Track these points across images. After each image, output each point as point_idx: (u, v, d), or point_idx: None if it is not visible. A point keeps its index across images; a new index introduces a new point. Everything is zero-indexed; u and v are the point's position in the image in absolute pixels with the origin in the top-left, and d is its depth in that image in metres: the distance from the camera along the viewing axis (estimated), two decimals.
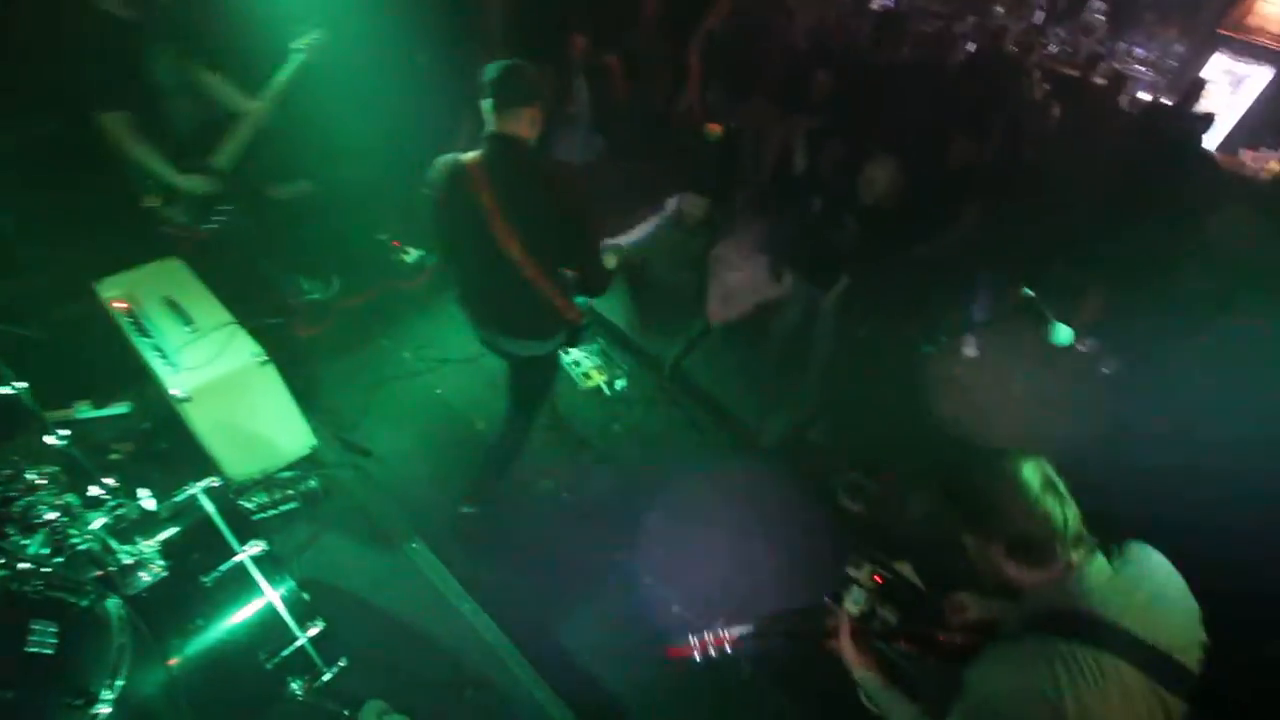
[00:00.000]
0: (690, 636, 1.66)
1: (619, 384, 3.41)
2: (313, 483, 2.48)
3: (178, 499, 1.78)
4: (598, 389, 3.38)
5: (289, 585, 1.77)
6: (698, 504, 3.00)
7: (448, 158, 1.91)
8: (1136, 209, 3.75)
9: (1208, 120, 3.99)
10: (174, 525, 1.76)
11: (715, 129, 4.10)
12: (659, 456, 3.19)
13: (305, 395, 2.77)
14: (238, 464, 2.31)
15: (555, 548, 2.73)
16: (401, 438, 3.00)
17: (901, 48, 4.26)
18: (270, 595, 1.72)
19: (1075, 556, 1.19)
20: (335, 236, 3.58)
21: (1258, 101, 5.47)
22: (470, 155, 1.88)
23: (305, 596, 1.80)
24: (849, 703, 1.55)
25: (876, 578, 3.08)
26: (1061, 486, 1.21)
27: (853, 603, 2.97)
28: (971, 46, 5.33)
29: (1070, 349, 2.16)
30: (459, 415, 3.15)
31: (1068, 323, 2.21)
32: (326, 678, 1.86)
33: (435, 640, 2.21)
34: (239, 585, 1.71)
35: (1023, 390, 3.01)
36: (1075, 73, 5.19)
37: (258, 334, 2.41)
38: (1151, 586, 1.19)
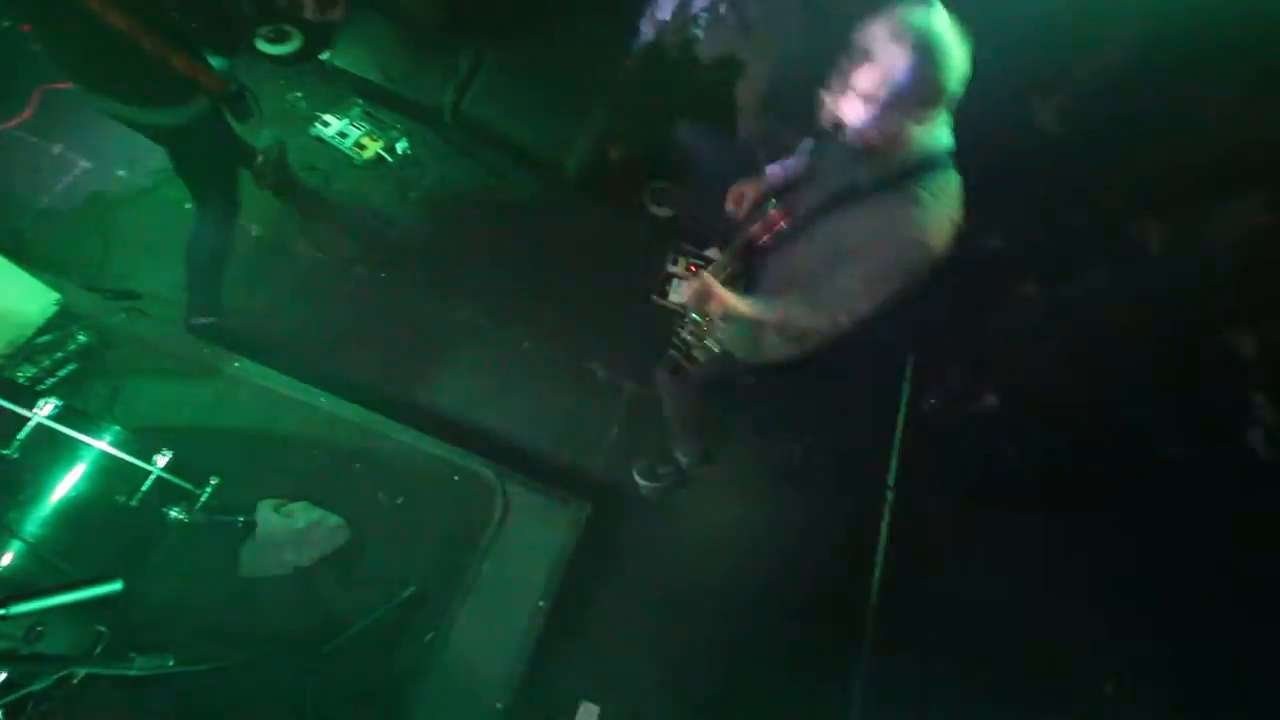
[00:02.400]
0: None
1: (400, 146, 3.15)
2: (82, 338, 2.20)
3: None
4: (378, 158, 3.11)
5: (113, 430, 1.70)
6: (517, 243, 3.11)
7: None
8: None
9: None
10: None
11: None
12: (466, 210, 3.15)
13: (15, 251, 2.30)
14: None
15: (391, 323, 2.78)
16: (167, 267, 2.64)
17: None
18: (95, 444, 1.65)
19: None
20: None
21: None
22: None
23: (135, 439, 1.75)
24: None
25: (691, 267, 3.51)
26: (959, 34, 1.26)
27: (675, 293, 3.39)
28: None
29: None
30: None
31: None
32: (204, 498, 1.92)
33: (303, 438, 2.29)
34: (52, 446, 1.62)
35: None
36: None
37: None
38: None
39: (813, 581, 2.65)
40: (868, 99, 1.28)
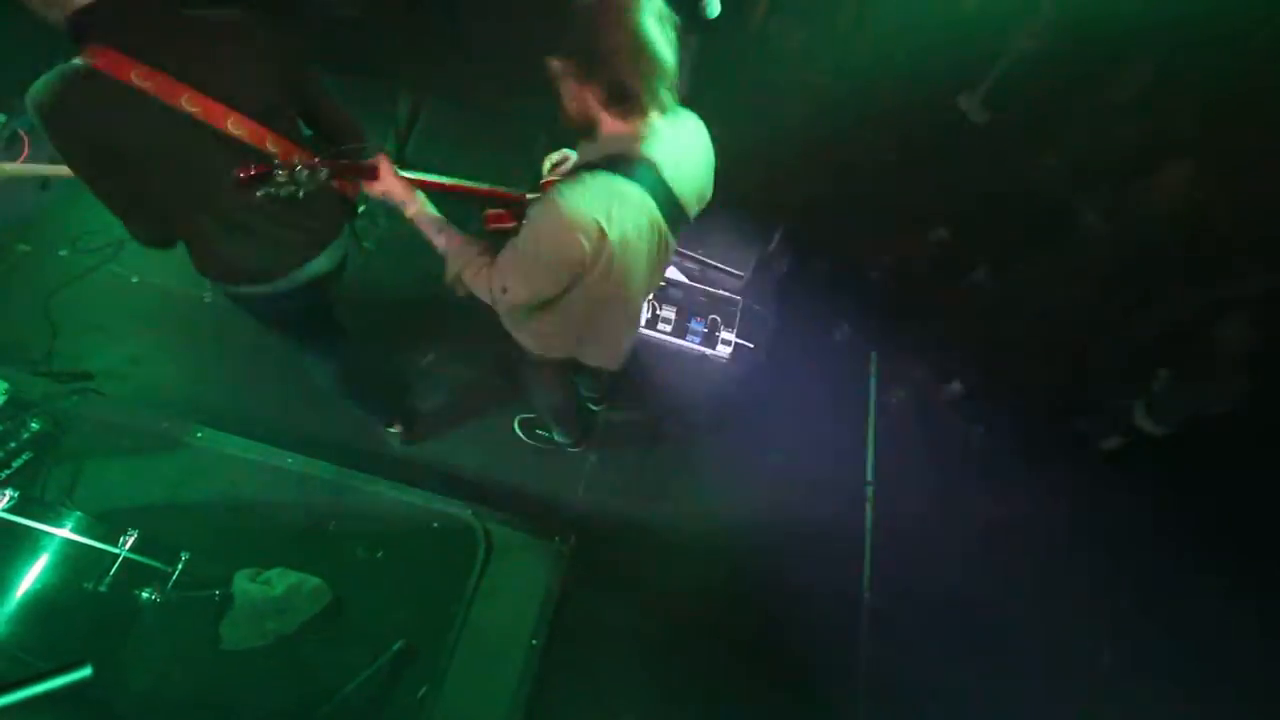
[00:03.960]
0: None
1: None
2: (35, 425, 2.17)
3: None
4: None
5: (74, 516, 1.68)
6: None
7: (53, 81, 1.26)
8: None
9: None
10: None
11: None
12: (422, 257, 3.16)
13: None
14: None
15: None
16: (121, 343, 2.65)
17: None
18: (55, 531, 1.64)
19: (656, 112, 1.32)
20: None
21: None
22: (87, 59, 1.26)
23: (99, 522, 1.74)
24: None
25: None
26: (672, 34, 1.24)
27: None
28: None
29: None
30: (175, 295, 2.80)
31: None
32: (175, 576, 1.90)
33: (273, 502, 2.28)
34: (11, 539, 1.60)
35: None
36: None
37: None
38: (688, 144, 1.46)
39: (805, 587, 2.68)
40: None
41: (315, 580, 2.09)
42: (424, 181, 1.59)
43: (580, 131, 1.39)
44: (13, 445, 2.14)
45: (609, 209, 1.32)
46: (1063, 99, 3.59)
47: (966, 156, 3.87)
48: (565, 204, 1.29)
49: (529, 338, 1.83)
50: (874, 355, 3.39)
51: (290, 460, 2.34)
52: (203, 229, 1.57)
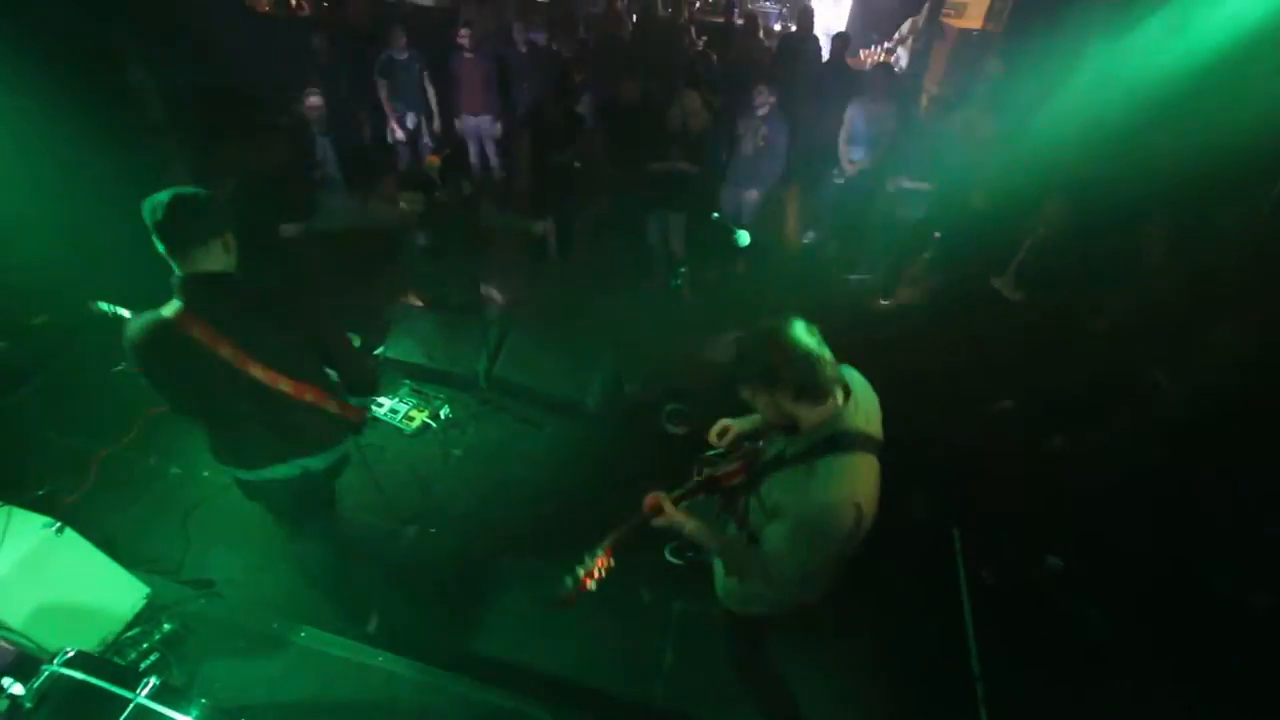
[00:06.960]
0: (565, 581, 1.86)
1: (444, 413, 3.70)
2: (166, 626, 2.47)
3: (37, 684, 1.79)
4: (424, 426, 3.63)
5: (199, 703, 1.88)
6: (553, 480, 3.45)
7: (142, 323, 1.85)
8: (802, 118, 4.89)
9: (841, 37, 5.34)
10: (46, 708, 1.77)
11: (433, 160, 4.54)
12: (504, 461, 3.57)
13: (112, 553, 2.69)
14: (71, 640, 2.24)
15: (442, 576, 3.01)
16: (241, 554, 3.02)
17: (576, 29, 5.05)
18: (182, 719, 1.83)
19: (839, 392, 1.62)
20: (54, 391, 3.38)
21: (853, 12, 7.30)
22: (171, 310, 1.85)
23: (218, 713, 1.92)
24: None
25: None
26: (817, 331, 1.59)
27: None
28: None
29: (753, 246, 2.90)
30: None
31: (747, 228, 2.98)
32: None
33: (362, 700, 2.41)
34: None
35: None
36: (720, 20, 6.41)
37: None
38: (862, 395, 1.71)
39: None
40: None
41: None
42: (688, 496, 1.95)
43: (784, 428, 1.69)
44: (144, 646, 2.44)
45: (855, 486, 1.57)
46: (1095, 269, 3.89)
47: (1011, 330, 4.14)
48: (821, 496, 1.56)
49: (769, 603, 2.00)
50: (956, 534, 3.36)
51: (381, 659, 2.51)
52: (215, 427, 2.13)
